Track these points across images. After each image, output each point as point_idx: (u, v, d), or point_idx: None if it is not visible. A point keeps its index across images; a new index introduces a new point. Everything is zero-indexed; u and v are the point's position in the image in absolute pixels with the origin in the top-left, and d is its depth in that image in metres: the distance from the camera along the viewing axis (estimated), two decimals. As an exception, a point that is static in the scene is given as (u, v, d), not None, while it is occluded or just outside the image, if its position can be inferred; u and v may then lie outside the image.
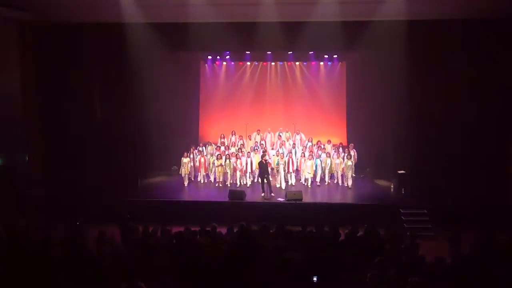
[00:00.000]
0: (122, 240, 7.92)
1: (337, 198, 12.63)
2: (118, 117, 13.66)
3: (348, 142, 16.16)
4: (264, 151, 13.44)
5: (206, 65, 17.15)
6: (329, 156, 13.57)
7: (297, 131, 15.19)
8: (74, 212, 9.81)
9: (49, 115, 12.89)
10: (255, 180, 13.61)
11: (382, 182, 14.20)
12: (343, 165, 13.42)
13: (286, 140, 15.00)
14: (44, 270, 4.13)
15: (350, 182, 13.36)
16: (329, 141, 14.84)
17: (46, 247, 5.62)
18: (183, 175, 13.74)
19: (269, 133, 15.45)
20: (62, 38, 12.48)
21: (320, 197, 12.69)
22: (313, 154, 13.45)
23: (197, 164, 13.85)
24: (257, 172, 13.17)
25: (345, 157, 13.45)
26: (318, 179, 13.60)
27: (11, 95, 12.43)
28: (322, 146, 14.23)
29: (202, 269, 4.33)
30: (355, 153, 13.88)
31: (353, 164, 13.48)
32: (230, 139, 15.05)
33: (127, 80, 13.41)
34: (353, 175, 13.53)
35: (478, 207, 11.18)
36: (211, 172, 13.86)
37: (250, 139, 15.00)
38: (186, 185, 13.71)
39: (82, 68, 13.05)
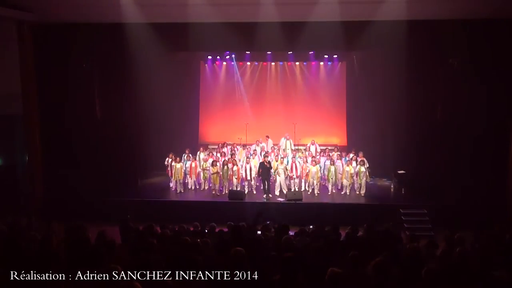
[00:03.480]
0: (122, 239, 7.93)
1: (337, 198, 12.59)
2: (118, 117, 13.65)
3: (348, 142, 16.23)
4: (266, 154, 13.08)
5: (206, 65, 17.18)
6: (333, 164, 12.77)
7: (312, 142, 14.71)
8: (74, 212, 9.80)
9: (49, 115, 12.87)
10: (256, 187, 13.29)
11: (382, 182, 14.19)
12: (352, 172, 12.59)
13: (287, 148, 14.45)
14: (43, 270, 4.12)
15: (363, 191, 12.67)
16: (336, 149, 14.25)
17: (46, 247, 5.63)
18: (174, 180, 13.04)
19: (268, 139, 14.98)
20: (62, 38, 12.46)
21: (320, 197, 12.67)
22: (316, 160, 12.94)
23: (187, 169, 13.12)
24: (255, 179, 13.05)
25: (358, 163, 12.70)
26: (317, 189, 12.85)
27: (11, 94, 12.45)
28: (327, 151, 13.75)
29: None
30: (366, 161, 13.06)
31: (367, 171, 12.79)
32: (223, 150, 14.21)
33: (127, 80, 13.40)
34: (368, 180, 12.95)
35: (478, 208, 11.21)
36: (203, 179, 13.21)
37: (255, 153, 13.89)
38: (179, 191, 13.02)
39: (82, 68, 13.02)
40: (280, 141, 14.88)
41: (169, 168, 13.29)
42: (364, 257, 4.66)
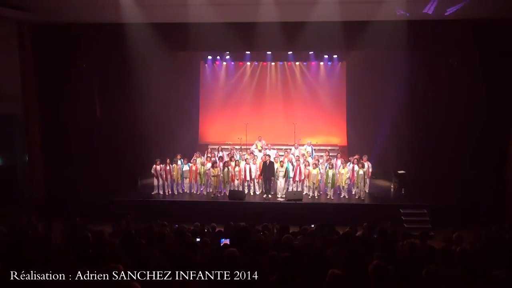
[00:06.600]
0: (122, 239, 7.91)
1: (337, 198, 12.57)
2: (118, 117, 13.65)
3: (348, 142, 16.23)
4: (266, 154, 13.05)
5: (206, 65, 17.19)
6: (332, 167, 12.32)
7: (296, 145, 14.31)
8: (74, 212, 9.79)
9: (49, 115, 12.87)
10: (258, 190, 13.05)
11: (382, 182, 14.19)
12: (348, 175, 12.24)
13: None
14: (43, 270, 4.13)
15: (361, 194, 12.24)
16: (327, 152, 13.81)
17: (46, 247, 5.63)
18: (185, 183, 12.95)
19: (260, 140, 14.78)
20: (62, 38, 12.45)
21: (320, 198, 12.61)
22: (317, 163, 12.55)
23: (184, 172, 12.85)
24: (255, 181, 12.92)
25: (356, 166, 12.25)
26: (315, 193, 12.56)
27: (11, 94, 12.45)
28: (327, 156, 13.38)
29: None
30: (369, 166, 12.71)
31: (366, 176, 12.30)
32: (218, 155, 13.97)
33: (127, 80, 13.40)
34: (366, 190, 12.43)
35: (478, 207, 11.21)
36: (201, 183, 12.85)
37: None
38: (177, 193, 12.95)
39: (82, 68, 13.03)
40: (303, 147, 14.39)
41: (162, 173, 12.80)
42: (363, 256, 4.67)
